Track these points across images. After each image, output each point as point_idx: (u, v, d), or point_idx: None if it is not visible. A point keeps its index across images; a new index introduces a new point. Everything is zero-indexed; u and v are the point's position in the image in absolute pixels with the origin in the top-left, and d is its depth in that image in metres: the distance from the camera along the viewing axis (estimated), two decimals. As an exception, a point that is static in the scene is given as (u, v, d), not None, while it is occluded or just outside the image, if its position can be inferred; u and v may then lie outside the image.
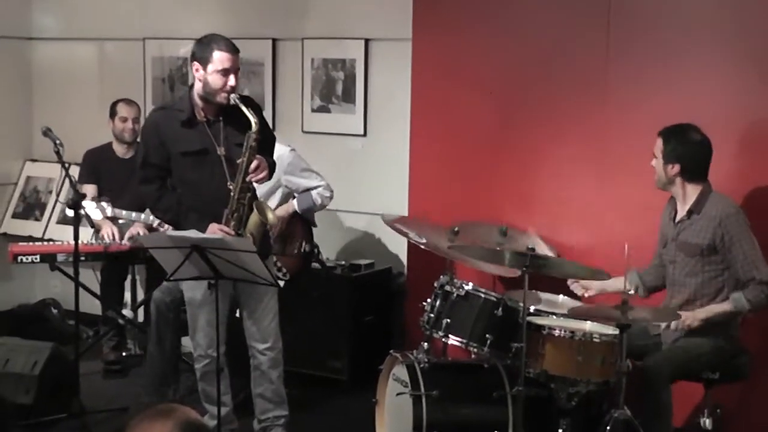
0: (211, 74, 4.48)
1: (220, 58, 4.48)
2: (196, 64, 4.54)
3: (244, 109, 4.47)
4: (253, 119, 4.46)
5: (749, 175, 4.86)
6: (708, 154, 4.46)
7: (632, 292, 4.56)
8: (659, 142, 4.48)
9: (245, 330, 4.81)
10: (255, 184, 4.64)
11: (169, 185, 4.69)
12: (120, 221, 5.98)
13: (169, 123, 4.60)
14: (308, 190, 5.60)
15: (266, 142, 4.67)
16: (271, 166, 4.67)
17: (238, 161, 4.48)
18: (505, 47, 5.53)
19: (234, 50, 4.53)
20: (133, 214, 5.77)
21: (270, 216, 4.60)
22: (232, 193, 4.50)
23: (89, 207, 5.44)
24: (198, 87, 4.56)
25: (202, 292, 4.61)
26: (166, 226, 5.62)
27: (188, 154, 4.57)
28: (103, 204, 5.61)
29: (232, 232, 4.47)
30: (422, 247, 4.97)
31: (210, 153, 4.57)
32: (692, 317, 4.32)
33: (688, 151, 4.43)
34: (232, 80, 4.49)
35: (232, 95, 4.50)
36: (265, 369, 4.79)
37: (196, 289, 4.62)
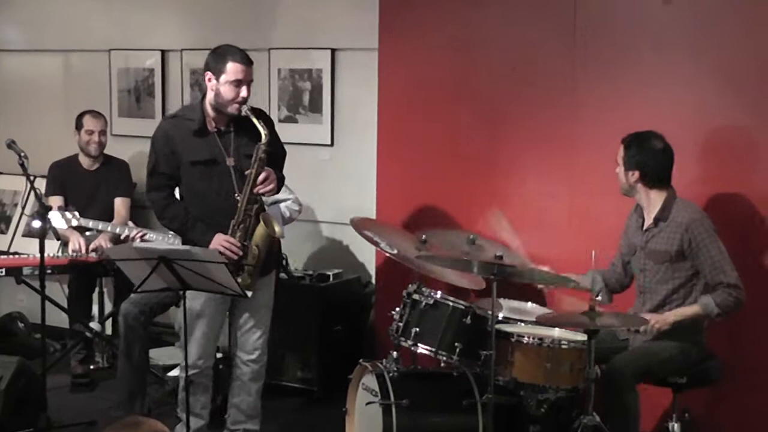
0: (223, 85, 4.48)
1: (233, 69, 4.48)
2: (209, 74, 4.53)
3: (255, 120, 4.47)
4: (263, 131, 4.46)
5: (712, 182, 4.91)
6: (668, 161, 4.50)
7: (598, 298, 4.59)
8: (621, 150, 4.52)
9: (233, 339, 4.80)
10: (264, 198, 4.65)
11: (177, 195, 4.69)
12: (87, 233, 5.95)
13: (179, 132, 4.59)
14: (277, 202, 5.59)
15: (276, 155, 4.67)
16: (280, 180, 4.67)
17: (247, 172, 4.48)
18: (472, 57, 5.56)
19: (248, 62, 4.54)
20: (100, 224, 5.73)
21: (277, 228, 4.60)
22: (239, 204, 4.50)
23: (55, 217, 5.39)
24: (210, 97, 4.56)
25: (201, 302, 4.60)
26: (135, 232, 5.61)
27: (197, 164, 4.56)
28: (68, 214, 5.57)
29: (238, 244, 4.47)
30: (392, 257, 4.97)
31: (219, 163, 4.56)
32: (662, 321, 4.35)
33: (647, 157, 4.47)
34: (244, 91, 4.50)
35: (244, 107, 4.50)
36: (246, 380, 4.79)
37: (195, 298, 4.59)
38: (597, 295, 4.59)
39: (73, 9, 7.19)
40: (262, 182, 4.49)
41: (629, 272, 4.73)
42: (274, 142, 4.60)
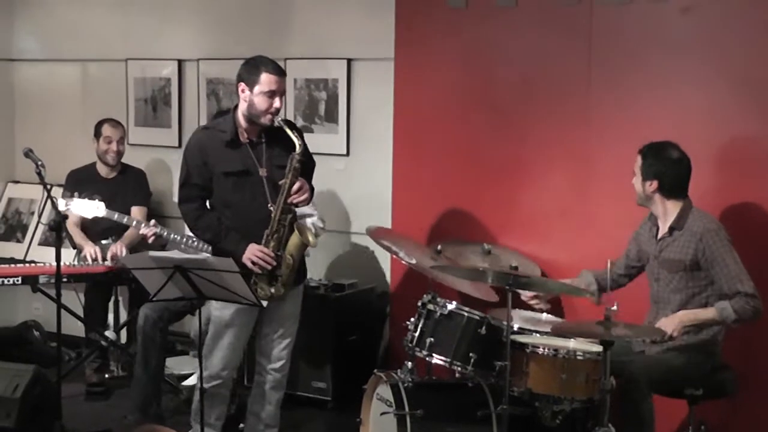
0: (257, 96, 4.51)
1: (267, 80, 4.50)
2: (242, 85, 4.56)
3: (288, 131, 4.50)
4: (297, 141, 4.49)
5: (729, 191, 4.89)
6: (686, 171, 4.49)
7: (592, 296, 4.63)
8: (638, 159, 4.52)
9: (258, 347, 4.80)
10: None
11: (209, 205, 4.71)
12: (103, 242, 5.97)
13: (212, 143, 4.61)
14: (303, 216, 5.60)
15: (308, 166, 4.68)
16: (311, 191, 4.69)
17: (281, 182, 4.50)
18: (487, 66, 5.56)
19: (281, 73, 4.56)
20: (125, 218, 5.75)
21: (311, 238, 4.61)
22: (273, 214, 4.51)
23: (79, 204, 5.39)
24: (243, 108, 4.58)
25: (230, 312, 4.61)
26: (152, 230, 5.62)
27: (230, 175, 4.58)
28: (95, 202, 5.54)
29: (272, 254, 4.48)
30: (408, 265, 4.95)
31: (252, 174, 4.58)
32: (677, 323, 4.31)
33: (666, 167, 4.46)
34: (277, 102, 4.52)
35: (277, 117, 4.53)
36: (267, 389, 4.79)
37: (225, 308, 4.61)
38: (593, 296, 4.63)
39: (90, 19, 7.21)
40: (296, 192, 4.51)
41: (630, 275, 4.75)
42: (306, 152, 4.62)
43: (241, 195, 4.59)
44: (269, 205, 4.54)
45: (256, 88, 4.51)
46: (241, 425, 4.96)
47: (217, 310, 4.67)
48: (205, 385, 4.70)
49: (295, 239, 4.55)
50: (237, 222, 4.60)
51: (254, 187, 4.58)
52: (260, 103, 4.51)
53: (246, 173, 4.58)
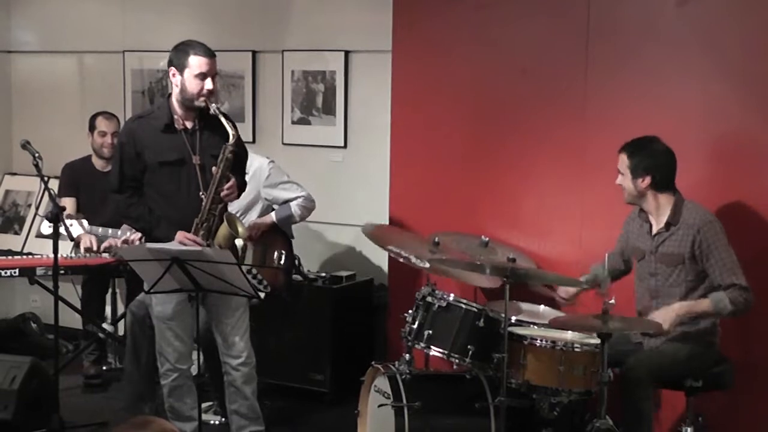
0: (188, 79, 4.52)
1: (196, 62, 4.53)
2: (173, 70, 4.58)
3: (223, 120, 4.51)
4: (231, 131, 4.51)
5: (723, 187, 4.87)
6: (674, 163, 4.49)
7: (602, 288, 4.57)
8: (623, 158, 4.50)
9: (218, 346, 4.77)
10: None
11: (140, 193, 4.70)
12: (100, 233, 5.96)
13: (146, 132, 4.61)
14: (287, 201, 5.58)
15: (240, 159, 4.69)
16: (241, 186, 4.71)
17: (213, 170, 4.51)
18: (484, 60, 5.54)
19: (210, 54, 4.58)
20: (110, 231, 5.73)
21: (240, 229, 4.62)
22: (203, 203, 4.52)
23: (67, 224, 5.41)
24: (176, 93, 4.60)
25: (172, 306, 4.60)
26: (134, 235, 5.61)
27: (165, 164, 4.58)
28: (76, 222, 5.58)
29: (200, 241, 4.48)
30: (405, 262, 4.92)
31: (186, 162, 4.58)
32: (672, 316, 4.30)
33: (656, 161, 4.45)
34: (209, 84, 4.53)
35: (213, 105, 4.53)
36: (239, 385, 4.76)
37: (166, 303, 4.61)
38: (603, 289, 4.58)
39: (87, 10, 7.20)
40: (228, 188, 4.53)
41: (627, 265, 4.75)
42: (240, 143, 4.63)
43: (176, 184, 4.60)
44: (201, 193, 4.56)
45: (186, 72, 4.53)
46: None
47: (159, 306, 4.66)
48: (165, 381, 4.72)
49: (224, 230, 4.56)
50: (170, 210, 4.60)
51: (188, 176, 4.59)
52: (192, 86, 4.53)
53: (180, 162, 4.59)
